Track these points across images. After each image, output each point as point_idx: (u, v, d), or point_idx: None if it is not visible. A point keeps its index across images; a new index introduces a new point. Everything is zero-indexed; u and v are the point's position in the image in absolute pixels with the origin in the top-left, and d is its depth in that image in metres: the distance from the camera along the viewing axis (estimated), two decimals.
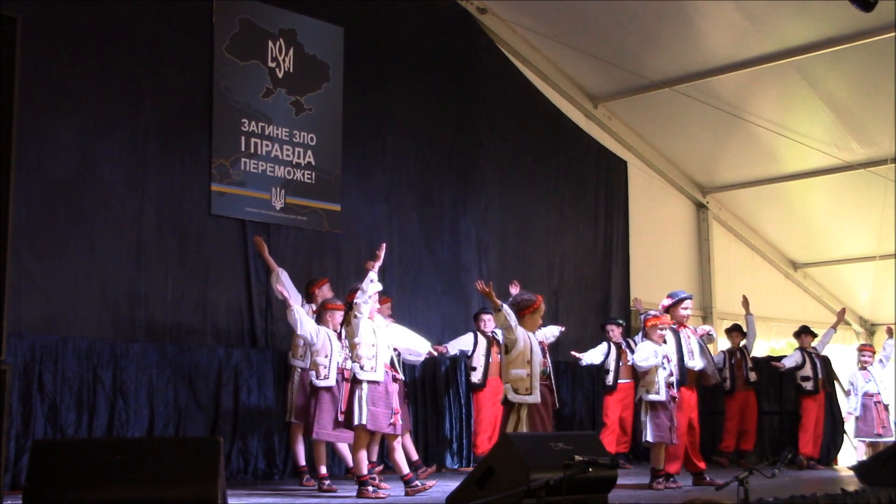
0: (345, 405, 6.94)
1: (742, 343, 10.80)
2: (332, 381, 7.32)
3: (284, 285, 7.89)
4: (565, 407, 11.01)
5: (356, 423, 6.64)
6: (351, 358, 6.84)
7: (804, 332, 10.98)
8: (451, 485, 6.09)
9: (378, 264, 6.80)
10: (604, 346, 10.31)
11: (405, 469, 6.93)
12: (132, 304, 8.13)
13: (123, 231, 8.16)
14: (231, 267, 8.81)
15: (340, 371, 7.31)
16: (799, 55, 10.93)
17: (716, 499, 2.80)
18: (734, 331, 10.92)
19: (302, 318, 7.32)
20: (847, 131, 12.02)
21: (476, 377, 9.40)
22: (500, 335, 9.14)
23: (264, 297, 8.76)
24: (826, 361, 11.06)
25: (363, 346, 6.71)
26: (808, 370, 10.70)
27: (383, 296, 8.19)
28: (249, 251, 8.87)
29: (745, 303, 10.59)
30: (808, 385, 10.71)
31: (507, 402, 6.78)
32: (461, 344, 9.52)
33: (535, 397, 6.72)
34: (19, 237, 6.89)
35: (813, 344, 10.93)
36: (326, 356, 7.36)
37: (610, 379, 10.22)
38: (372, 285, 6.73)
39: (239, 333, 8.78)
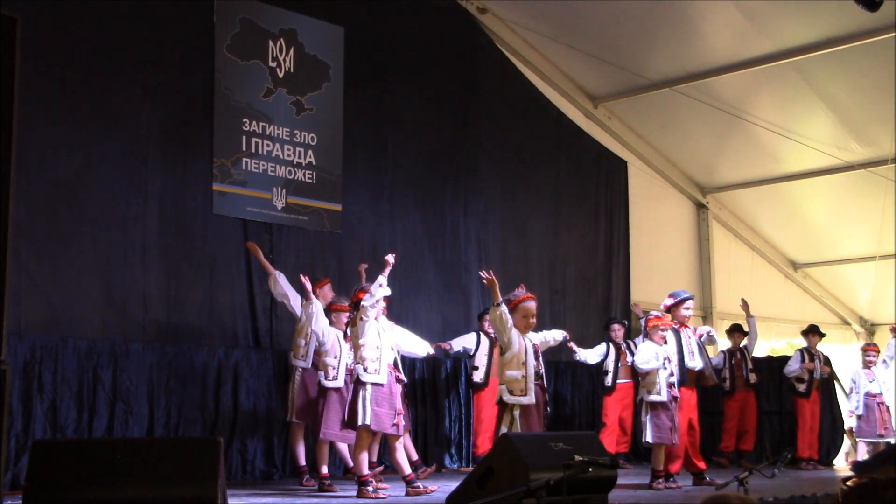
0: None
1: (743, 343, 10.79)
2: (340, 383, 7.34)
3: (283, 288, 7.92)
4: (565, 407, 11.01)
5: (360, 423, 6.65)
6: (355, 359, 6.84)
7: (811, 332, 10.94)
8: (451, 485, 6.10)
9: (388, 270, 6.80)
10: (602, 346, 10.28)
11: (407, 469, 6.94)
12: (134, 303, 8.13)
13: (125, 231, 8.16)
14: (234, 267, 8.81)
15: (349, 372, 7.32)
16: (799, 55, 10.93)
17: (747, 498, 2.80)
18: (735, 331, 10.92)
19: (320, 312, 7.35)
20: (847, 131, 12.02)
21: (478, 377, 9.41)
22: None
23: (268, 297, 8.75)
24: (826, 361, 11.05)
25: (368, 347, 6.72)
26: (797, 366, 10.70)
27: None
28: None
29: (745, 306, 10.57)
30: (802, 387, 10.73)
31: (501, 403, 6.80)
32: (464, 342, 9.52)
33: (530, 398, 6.73)
34: (20, 237, 6.89)
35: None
36: (336, 357, 7.37)
37: (609, 380, 10.20)
38: (381, 290, 6.73)
39: (241, 333, 8.78)
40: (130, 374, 7.73)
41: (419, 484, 6.93)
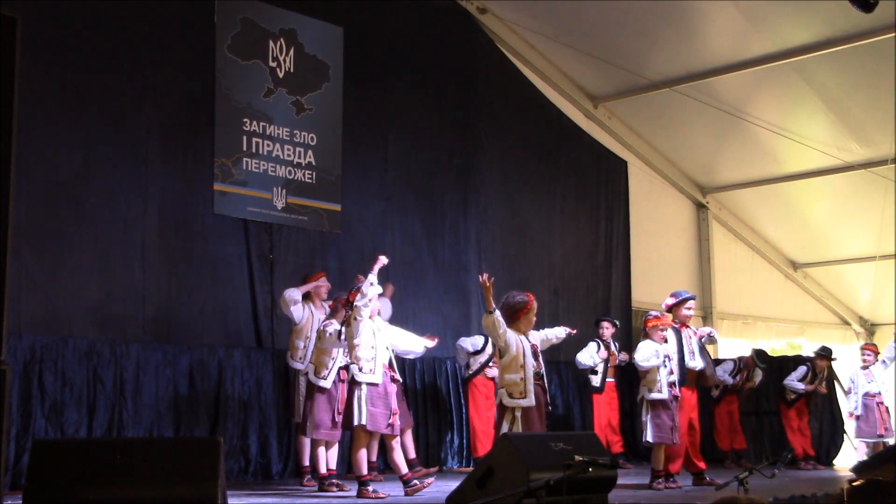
0: (342, 406, 6.96)
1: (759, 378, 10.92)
2: (328, 384, 7.32)
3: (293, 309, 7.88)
4: (565, 407, 10.99)
5: (356, 423, 6.66)
6: (349, 359, 6.83)
7: (822, 357, 10.91)
8: (451, 485, 6.09)
9: (377, 267, 6.79)
10: (592, 346, 10.24)
11: (404, 469, 6.94)
12: (134, 303, 8.12)
13: (125, 231, 8.15)
14: (235, 266, 8.81)
15: (338, 373, 7.32)
16: (799, 55, 10.94)
17: (757, 498, 2.80)
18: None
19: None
20: (847, 131, 12.02)
21: (467, 373, 9.43)
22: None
23: (268, 297, 8.76)
24: (829, 381, 11.09)
25: (363, 347, 6.72)
26: (799, 385, 10.74)
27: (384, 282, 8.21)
28: (252, 251, 8.88)
29: None
30: (791, 396, 10.76)
31: (501, 406, 6.80)
32: (473, 340, 9.47)
33: (530, 400, 6.71)
34: (20, 237, 6.90)
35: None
36: (332, 358, 7.36)
37: (597, 380, 10.17)
38: (371, 288, 6.72)
39: (242, 333, 8.77)
40: (130, 374, 7.73)
41: (416, 482, 6.91)
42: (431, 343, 8.22)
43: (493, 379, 9.27)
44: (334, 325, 7.14)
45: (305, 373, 7.63)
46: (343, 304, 7.12)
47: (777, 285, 15.00)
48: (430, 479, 7.10)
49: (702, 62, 11.54)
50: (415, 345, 8.11)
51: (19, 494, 4.76)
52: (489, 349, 9.30)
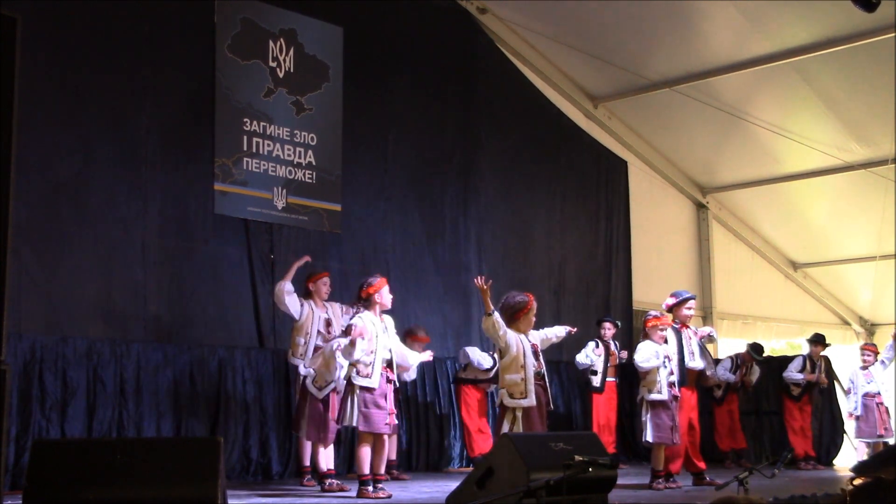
0: (337, 408, 6.96)
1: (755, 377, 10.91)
2: (324, 394, 7.31)
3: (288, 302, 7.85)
4: (560, 410, 10.98)
5: (345, 423, 6.67)
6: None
7: (816, 342, 10.92)
8: (451, 485, 6.09)
9: (354, 337, 6.64)
10: (590, 345, 10.23)
11: (366, 469, 6.77)
12: (134, 303, 8.12)
13: (126, 230, 8.15)
14: (235, 266, 8.81)
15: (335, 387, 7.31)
16: (799, 55, 10.94)
17: (756, 498, 2.80)
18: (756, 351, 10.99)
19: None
20: (847, 131, 12.03)
21: (465, 374, 9.46)
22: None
23: (269, 297, 8.74)
24: (826, 361, 11.07)
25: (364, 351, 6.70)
26: (798, 375, 10.73)
27: (420, 334, 8.60)
28: (253, 251, 8.88)
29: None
30: (795, 391, 10.75)
31: (502, 406, 6.80)
32: (482, 359, 9.41)
33: (531, 401, 6.71)
34: (20, 237, 6.89)
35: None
36: (333, 375, 7.34)
37: (598, 380, 10.15)
38: (353, 350, 6.58)
39: (243, 333, 8.77)
40: (131, 374, 7.73)
41: (370, 489, 6.72)
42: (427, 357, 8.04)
43: (482, 389, 9.30)
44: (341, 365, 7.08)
45: (305, 375, 7.62)
46: (356, 303, 7.05)
47: (777, 285, 15.00)
48: (347, 488, 7.09)
49: (702, 62, 11.54)
50: (410, 357, 7.79)
51: (19, 494, 4.76)
52: (493, 371, 9.25)
